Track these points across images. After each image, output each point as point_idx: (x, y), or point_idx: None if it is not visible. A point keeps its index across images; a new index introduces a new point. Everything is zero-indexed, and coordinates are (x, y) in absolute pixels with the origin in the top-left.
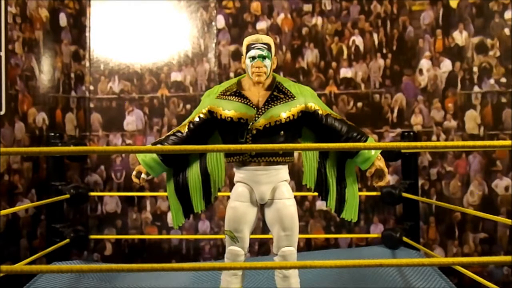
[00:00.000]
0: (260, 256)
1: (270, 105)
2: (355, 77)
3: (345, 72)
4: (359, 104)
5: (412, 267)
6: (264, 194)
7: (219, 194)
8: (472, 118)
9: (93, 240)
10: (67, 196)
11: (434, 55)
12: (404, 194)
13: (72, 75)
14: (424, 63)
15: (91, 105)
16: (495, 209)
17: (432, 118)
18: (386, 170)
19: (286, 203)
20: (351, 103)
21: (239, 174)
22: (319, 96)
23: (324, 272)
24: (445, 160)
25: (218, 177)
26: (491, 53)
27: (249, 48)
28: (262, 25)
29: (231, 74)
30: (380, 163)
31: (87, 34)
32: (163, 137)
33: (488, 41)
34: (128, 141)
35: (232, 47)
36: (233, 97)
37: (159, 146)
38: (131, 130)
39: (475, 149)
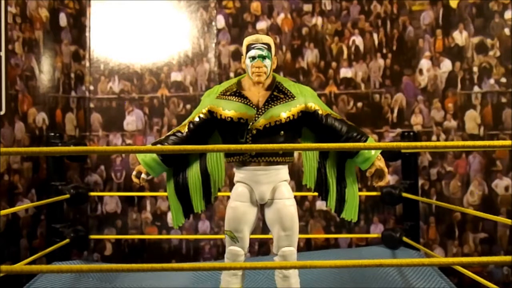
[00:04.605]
0: (260, 256)
1: (270, 105)
2: (355, 77)
3: (345, 72)
4: (359, 104)
5: (412, 267)
6: (264, 194)
7: (219, 194)
8: (472, 118)
9: (93, 240)
10: (67, 196)
11: (434, 55)
12: (404, 194)
13: (72, 75)
14: (424, 63)
15: (91, 105)
16: (495, 209)
17: (432, 118)
18: (386, 170)
19: (286, 203)
20: (351, 103)
21: (239, 174)
22: (319, 96)
23: (324, 272)
24: (445, 160)
25: (218, 177)
26: (491, 53)
27: (249, 48)
28: (262, 25)
29: (231, 74)
30: (380, 163)
31: (87, 34)
32: (163, 137)
33: (488, 41)
34: (128, 141)
35: (232, 47)
36: (233, 97)
37: (159, 146)
38: (131, 130)
39: (475, 149)
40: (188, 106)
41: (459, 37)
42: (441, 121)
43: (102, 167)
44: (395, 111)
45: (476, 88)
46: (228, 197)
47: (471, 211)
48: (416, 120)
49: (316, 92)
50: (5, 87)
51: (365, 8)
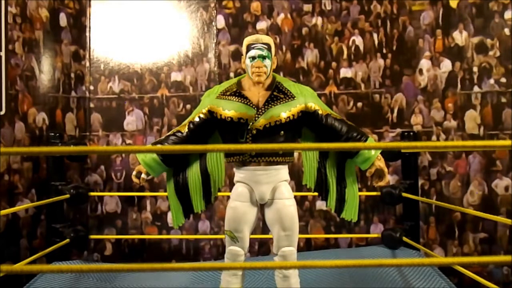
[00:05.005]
0: (260, 256)
1: (270, 105)
2: (355, 77)
3: (345, 72)
4: (359, 104)
5: (412, 267)
6: (264, 194)
7: (219, 194)
8: (472, 118)
9: (93, 240)
10: (67, 196)
11: (434, 55)
12: (404, 194)
13: (72, 75)
14: (424, 63)
15: (91, 105)
16: (495, 209)
17: (432, 118)
18: (386, 170)
19: (286, 203)
20: (351, 103)
21: (239, 174)
22: (319, 96)
23: (324, 272)
24: (445, 160)
25: (218, 177)
26: (491, 53)
27: (249, 48)
28: (262, 25)
29: (231, 74)
30: (380, 163)
31: (87, 34)
32: (163, 137)
33: (488, 41)
34: (128, 141)
35: (232, 47)
36: (233, 97)
37: (159, 146)
38: (131, 130)
39: (475, 149)
40: (188, 106)
41: (459, 37)
42: (441, 121)
43: (102, 167)
44: (395, 111)
45: (476, 88)
46: (228, 197)
47: (471, 211)
48: (416, 120)
49: (316, 92)
50: (5, 87)
51: (365, 8)
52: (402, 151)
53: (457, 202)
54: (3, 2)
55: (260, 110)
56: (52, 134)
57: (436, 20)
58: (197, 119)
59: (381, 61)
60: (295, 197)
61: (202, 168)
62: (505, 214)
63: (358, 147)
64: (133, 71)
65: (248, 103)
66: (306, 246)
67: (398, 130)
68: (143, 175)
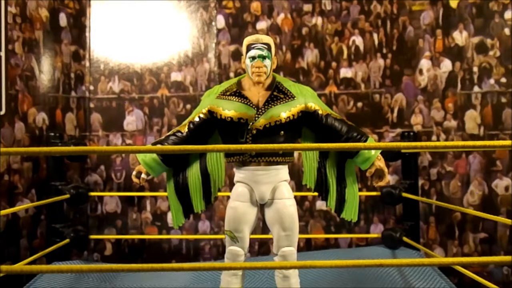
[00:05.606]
0: (260, 256)
1: (270, 105)
2: (355, 77)
3: (345, 72)
4: (359, 104)
5: (412, 267)
6: (264, 194)
7: (219, 194)
8: (472, 118)
9: (93, 240)
10: (67, 196)
11: (434, 55)
12: (404, 194)
13: (72, 75)
14: (424, 63)
15: (91, 105)
16: (495, 209)
17: (432, 118)
18: (386, 170)
19: (286, 203)
20: (351, 103)
21: (239, 174)
22: (319, 96)
23: (324, 272)
24: (445, 160)
25: (218, 177)
26: (491, 53)
27: (249, 48)
28: (262, 25)
29: (231, 74)
30: (380, 163)
31: (87, 34)
32: (163, 137)
33: (488, 41)
34: (128, 141)
35: (232, 47)
36: (233, 97)
37: (159, 146)
38: (131, 130)
39: (475, 149)
40: (188, 106)
41: (459, 37)
42: (441, 121)
43: (102, 167)
44: (395, 111)
45: (476, 88)
46: (228, 197)
47: (471, 211)
48: (416, 120)
49: (316, 92)
50: (5, 87)
51: (365, 8)
52: (402, 151)
53: (457, 202)
54: (3, 2)
55: (260, 110)
56: (52, 134)
57: (436, 20)
58: (197, 119)
59: (381, 61)
60: (295, 197)
61: (202, 168)
62: (505, 214)
63: (358, 147)
64: (133, 71)
65: (248, 103)
66: (306, 246)
67: (398, 130)
68: (143, 175)
